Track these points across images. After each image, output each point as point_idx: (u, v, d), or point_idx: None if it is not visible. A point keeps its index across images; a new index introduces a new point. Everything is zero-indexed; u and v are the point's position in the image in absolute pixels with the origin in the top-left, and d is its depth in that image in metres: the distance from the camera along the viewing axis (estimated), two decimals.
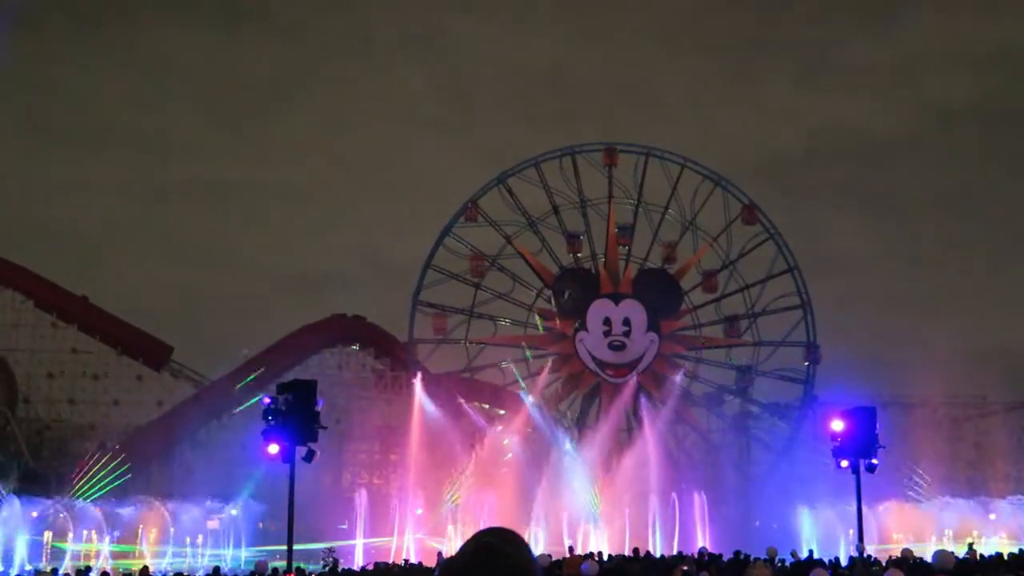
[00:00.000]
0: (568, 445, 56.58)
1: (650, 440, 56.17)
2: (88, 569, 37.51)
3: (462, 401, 61.12)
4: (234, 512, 50.96)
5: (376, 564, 38.82)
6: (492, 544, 2.85)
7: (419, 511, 53.12)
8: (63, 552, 48.25)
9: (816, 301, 68.05)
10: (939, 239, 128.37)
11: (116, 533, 48.40)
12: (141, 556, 46.81)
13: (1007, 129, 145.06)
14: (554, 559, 35.06)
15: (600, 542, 50.00)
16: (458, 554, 2.89)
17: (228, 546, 50.33)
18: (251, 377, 65.50)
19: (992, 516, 57.71)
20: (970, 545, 41.78)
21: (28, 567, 42.51)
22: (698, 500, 54.01)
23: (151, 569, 38.92)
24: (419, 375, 57.30)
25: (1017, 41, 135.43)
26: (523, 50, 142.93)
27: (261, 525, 53.87)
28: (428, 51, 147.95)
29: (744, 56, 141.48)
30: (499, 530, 3.00)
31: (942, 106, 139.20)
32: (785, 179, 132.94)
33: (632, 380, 63.59)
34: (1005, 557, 37.11)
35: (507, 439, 57.37)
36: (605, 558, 37.00)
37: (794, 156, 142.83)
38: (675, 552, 45.30)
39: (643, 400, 61.84)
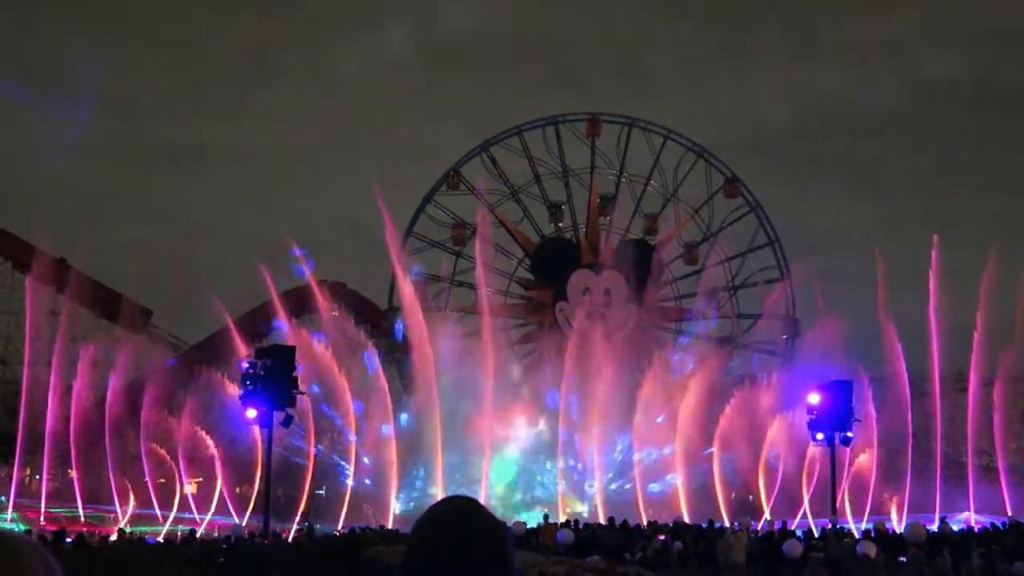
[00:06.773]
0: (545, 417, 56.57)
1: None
2: (63, 532, 37.37)
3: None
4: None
5: (351, 529, 38.94)
6: (467, 505, 2.71)
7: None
8: (36, 514, 48.10)
9: (797, 275, 68.19)
10: (923, 216, 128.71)
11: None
12: (116, 520, 46.69)
13: (994, 107, 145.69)
14: (529, 527, 35.27)
15: (577, 511, 50.14)
16: (430, 514, 2.72)
17: (204, 511, 50.14)
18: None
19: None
20: (942, 519, 42.18)
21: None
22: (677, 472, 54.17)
23: (127, 533, 38.93)
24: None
25: (1005, 19, 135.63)
26: (509, 17, 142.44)
27: (239, 490, 53.81)
28: (412, 17, 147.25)
29: (734, 29, 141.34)
30: (463, 498, 2.86)
31: (930, 83, 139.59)
32: (772, 153, 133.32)
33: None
34: (976, 531, 37.52)
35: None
36: (581, 527, 37.16)
37: (781, 131, 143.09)
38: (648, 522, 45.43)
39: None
